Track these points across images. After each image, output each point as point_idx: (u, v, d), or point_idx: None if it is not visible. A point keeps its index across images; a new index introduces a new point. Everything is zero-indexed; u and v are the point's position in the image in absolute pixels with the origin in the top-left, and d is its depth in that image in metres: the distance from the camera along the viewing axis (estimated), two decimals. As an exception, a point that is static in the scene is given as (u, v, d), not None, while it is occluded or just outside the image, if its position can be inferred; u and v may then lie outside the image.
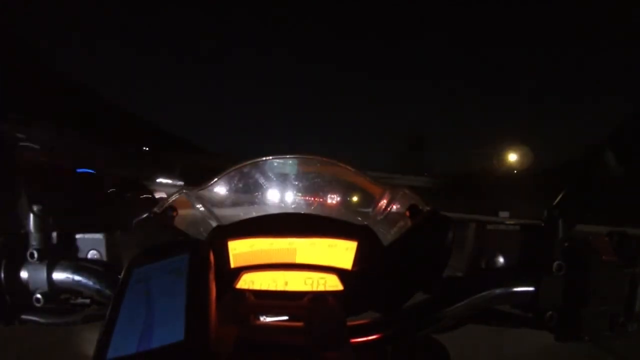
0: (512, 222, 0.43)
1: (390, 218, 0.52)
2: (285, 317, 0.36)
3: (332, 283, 0.45)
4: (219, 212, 0.54)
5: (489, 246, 0.42)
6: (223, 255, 0.47)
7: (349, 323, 0.37)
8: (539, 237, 0.40)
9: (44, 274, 0.41)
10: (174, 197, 0.51)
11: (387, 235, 0.48)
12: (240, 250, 0.47)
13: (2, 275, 0.40)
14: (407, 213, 0.49)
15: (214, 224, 0.51)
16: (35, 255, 0.41)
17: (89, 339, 0.28)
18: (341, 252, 0.46)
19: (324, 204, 0.57)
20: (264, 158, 0.53)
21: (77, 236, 0.46)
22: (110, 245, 0.46)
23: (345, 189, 0.59)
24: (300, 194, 0.56)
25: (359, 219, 0.53)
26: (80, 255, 0.46)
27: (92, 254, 0.45)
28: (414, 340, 0.39)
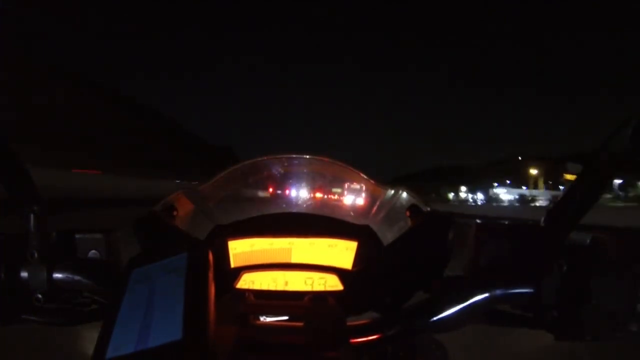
0: (512, 222, 0.43)
1: (390, 218, 0.52)
2: (285, 317, 0.36)
3: (332, 283, 0.45)
4: (219, 211, 0.54)
5: (489, 246, 0.42)
6: (223, 254, 0.47)
7: (349, 323, 0.37)
8: (539, 237, 0.40)
9: (44, 274, 0.41)
10: (174, 196, 0.51)
11: (387, 235, 0.48)
12: (240, 249, 0.47)
13: (2, 275, 0.41)
14: (407, 213, 0.49)
15: (214, 223, 0.51)
16: (35, 255, 0.41)
17: (89, 339, 0.28)
18: (341, 252, 0.46)
19: (324, 204, 0.57)
20: (263, 158, 0.53)
21: (77, 236, 0.46)
22: (110, 245, 0.46)
23: (346, 189, 0.59)
24: (300, 194, 0.57)
25: (359, 218, 0.53)
26: (80, 255, 0.46)
27: (92, 254, 0.46)
28: (414, 340, 0.39)
